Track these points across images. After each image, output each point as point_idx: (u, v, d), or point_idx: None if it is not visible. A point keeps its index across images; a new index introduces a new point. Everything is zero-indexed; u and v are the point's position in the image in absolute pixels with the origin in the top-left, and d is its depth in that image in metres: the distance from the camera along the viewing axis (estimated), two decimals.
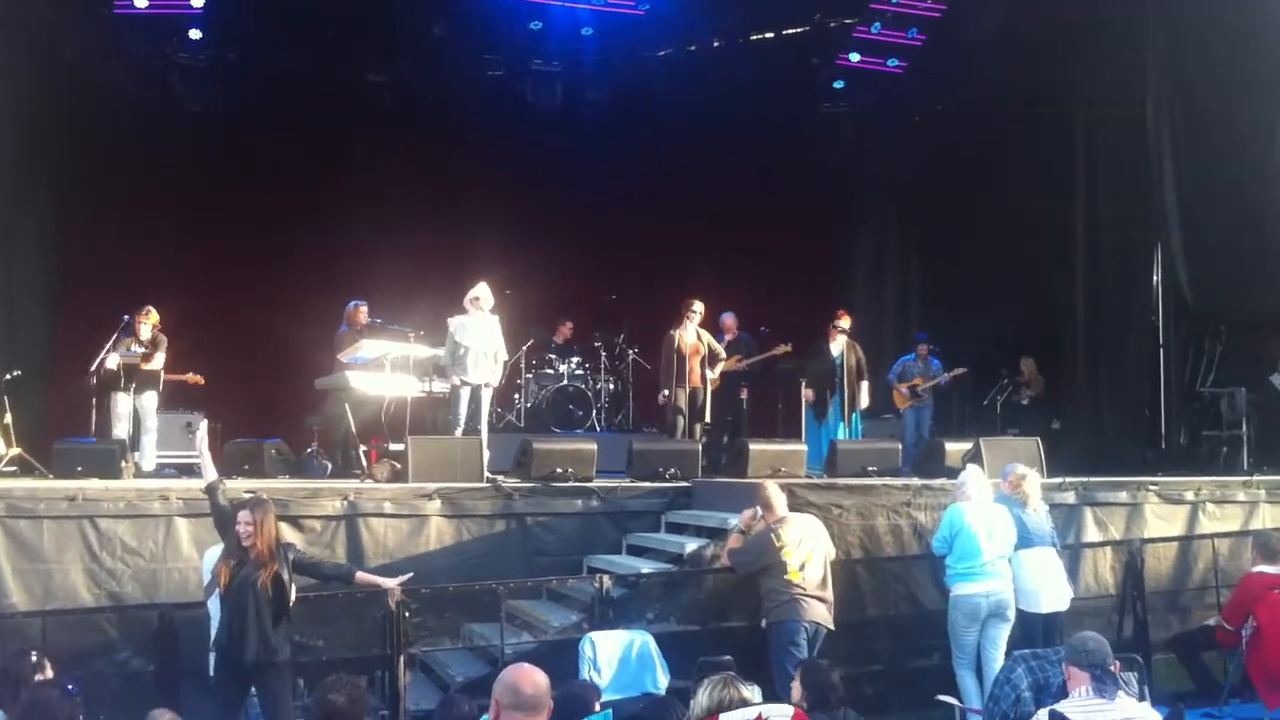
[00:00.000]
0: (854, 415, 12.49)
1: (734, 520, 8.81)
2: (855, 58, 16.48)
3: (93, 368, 11.36)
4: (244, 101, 15.41)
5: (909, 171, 17.86)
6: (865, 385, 12.64)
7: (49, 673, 6.50)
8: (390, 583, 7.57)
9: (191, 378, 12.27)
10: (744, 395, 13.97)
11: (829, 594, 8.21)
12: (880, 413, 14.60)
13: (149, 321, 11.72)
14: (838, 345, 12.63)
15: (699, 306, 12.37)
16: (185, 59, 14.99)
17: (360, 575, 7.64)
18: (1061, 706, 5.06)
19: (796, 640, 7.90)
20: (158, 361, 11.69)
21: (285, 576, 6.90)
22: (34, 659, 6.58)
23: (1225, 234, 12.78)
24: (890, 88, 17.10)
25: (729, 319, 13.82)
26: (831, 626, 8.11)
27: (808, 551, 8.11)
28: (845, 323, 12.75)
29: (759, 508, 8.44)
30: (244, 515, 6.91)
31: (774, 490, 8.46)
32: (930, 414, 14.49)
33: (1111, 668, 5.11)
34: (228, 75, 15.20)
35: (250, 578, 6.80)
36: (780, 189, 17.23)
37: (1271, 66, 12.23)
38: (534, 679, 4.45)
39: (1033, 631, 8.35)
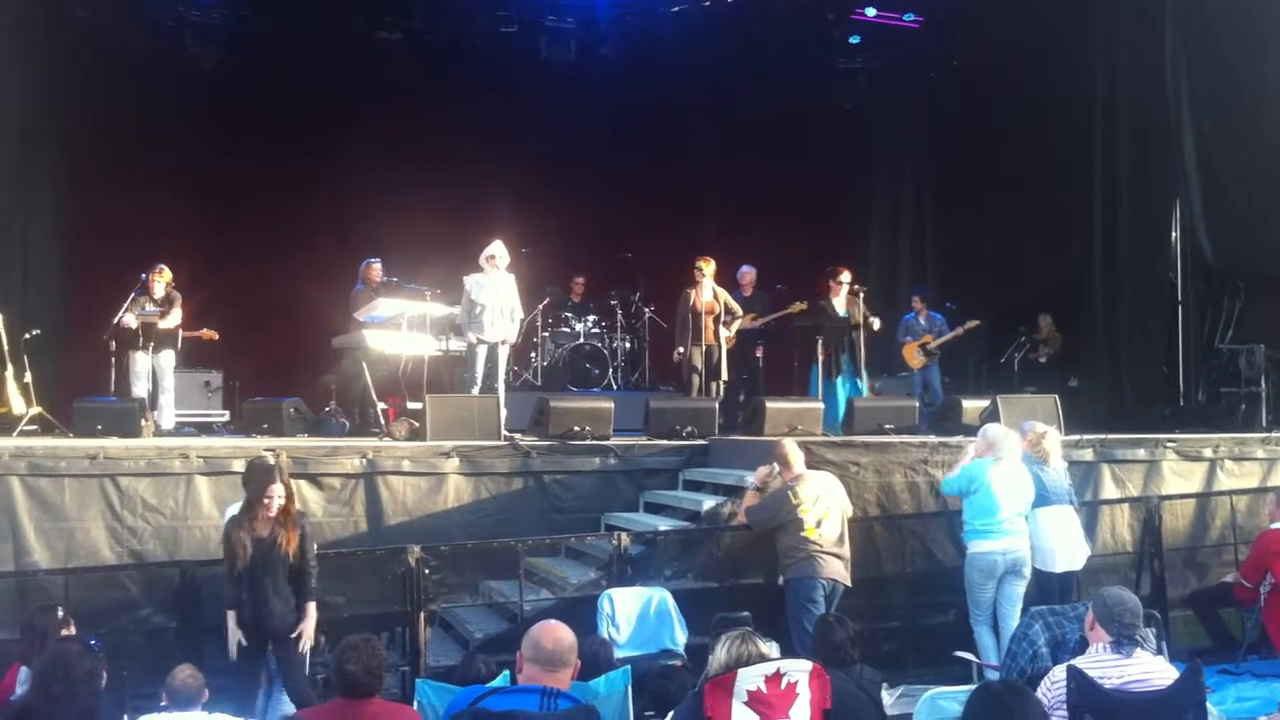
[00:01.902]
0: (864, 373, 12.44)
1: (750, 478, 8.82)
2: (871, 12, 16.31)
3: (110, 328, 11.39)
4: (257, 59, 15.36)
5: (925, 127, 17.70)
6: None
7: (72, 629, 6.58)
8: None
9: (206, 333, 12.31)
10: (759, 353, 13.94)
11: (846, 550, 8.22)
12: (899, 370, 14.57)
13: (162, 280, 11.74)
14: (841, 301, 12.59)
15: (703, 265, 12.36)
16: (198, 17, 14.92)
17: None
18: (1079, 662, 5.06)
19: (814, 597, 7.92)
20: (173, 319, 11.71)
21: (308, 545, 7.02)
22: (60, 614, 6.65)
23: (1245, 189, 12.64)
24: (906, 43, 16.96)
25: (748, 274, 13.74)
26: (848, 583, 8.13)
27: (824, 508, 8.13)
28: (846, 277, 12.65)
29: (776, 465, 8.45)
30: (276, 489, 6.91)
31: (791, 447, 8.47)
32: (939, 371, 14.44)
33: (1137, 635, 5.09)
34: (241, 33, 15.13)
35: (275, 547, 6.86)
36: (795, 144, 17.13)
37: None
38: (556, 635, 4.49)
39: (1049, 589, 8.34)
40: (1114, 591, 5.26)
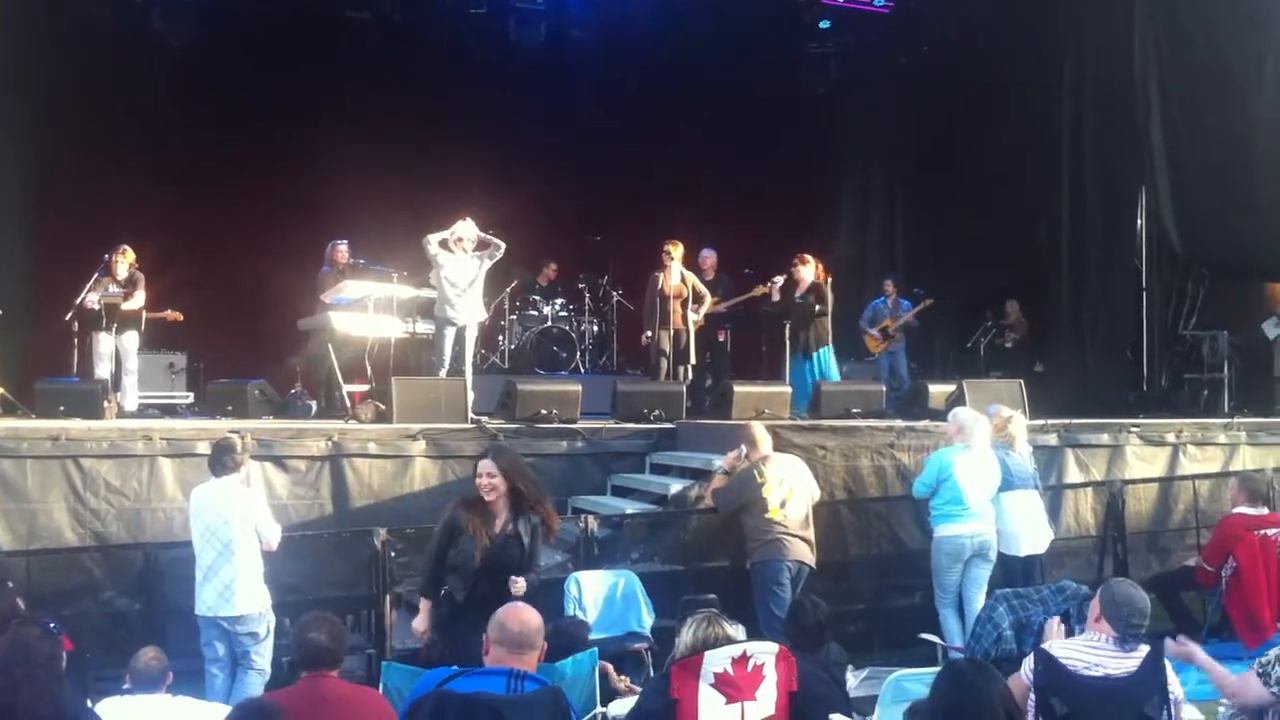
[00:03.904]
0: (820, 354, 12.47)
1: (718, 461, 8.84)
2: None
3: (72, 309, 11.29)
4: (225, 38, 15.19)
5: (895, 112, 17.75)
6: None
7: (20, 604, 6.54)
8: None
9: (170, 314, 12.20)
10: (723, 337, 13.94)
11: (810, 534, 8.23)
12: (866, 355, 14.64)
13: (125, 260, 11.63)
14: (802, 287, 12.66)
15: (671, 248, 12.35)
16: None
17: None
18: (1054, 647, 5.08)
19: (780, 580, 7.94)
20: (137, 300, 11.62)
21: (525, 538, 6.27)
22: (9, 585, 6.61)
23: (1211, 177, 12.74)
24: (876, 28, 16.96)
25: (709, 257, 13.65)
26: (814, 565, 8.15)
27: (789, 489, 8.13)
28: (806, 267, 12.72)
29: (744, 447, 8.45)
30: (485, 465, 6.26)
31: (759, 429, 8.49)
32: (905, 356, 14.53)
33: (1142, 633, 5.09)
34: (208, 12, 14.96)
35: (508, 544, 6.23)
36: (765, 129, 17.12)
37: (1260, 6, 12.18)
38: (522, 617, 4.48)
39: (1012, 573, 8.39)
40: (1122, 589, 5.16)
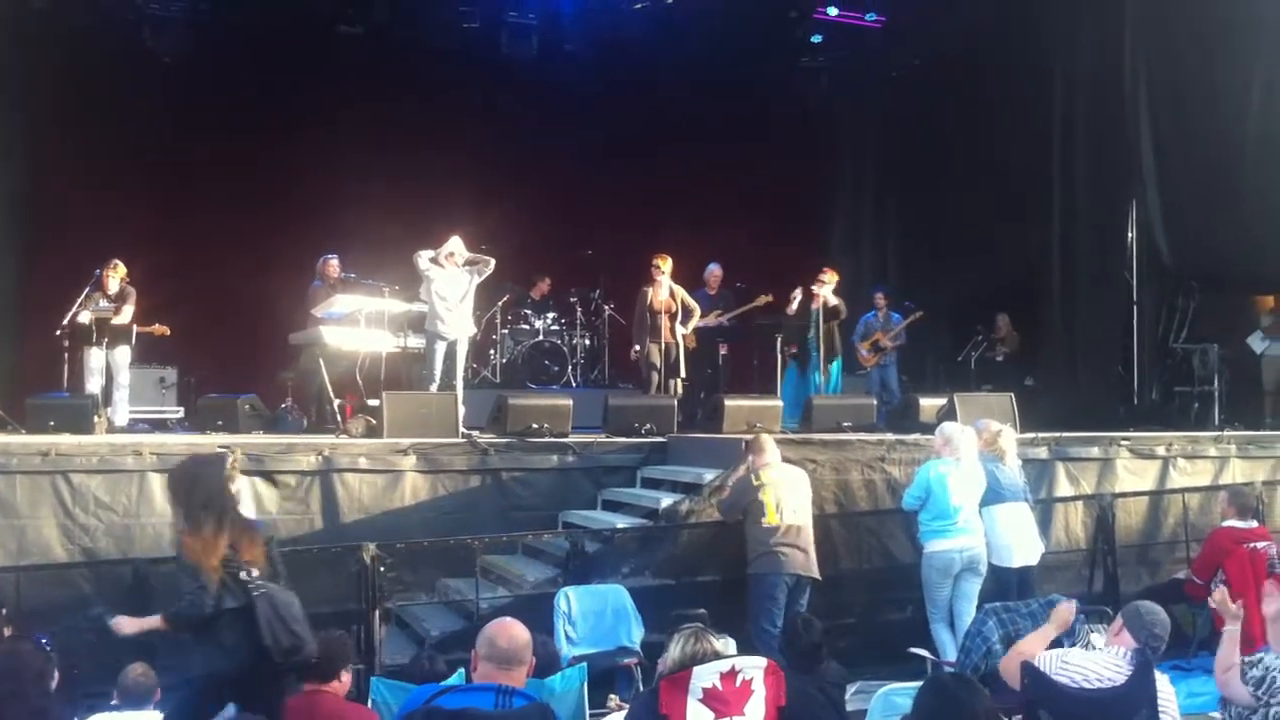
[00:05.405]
0: (834, 366, 12.55)
1: (709, 475, 8.85)
2: (833, 11, 16.29)
3: (63, 324, 11.27)
4: (216, 54, 15.17)
5: (887, 126, 17.82)
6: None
7: (6, 632, 6.52)
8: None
9: (157, 329, 12.15)
10: (723, 351, 13.95)
11: (809, 544, 8.22)
12: (857, 368, 14.65)
13: (116, 275, 11.63)
14: (821, 302, 12.74)
15: (660, 262, 12.34)
16: (157, 10, 14.71)
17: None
18: (1070, 654, 5.09)
19: (774, 595, 7.94)
20: (126, 315, 11.60)
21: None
22: (3, 612, 6.59)
23: (1201, 191, 12.80)
24: (868, 42, 16.98)
25: (715, 272, 13.74)
26: (816, 575, 8.13)
27: (786, 493, 8.15)
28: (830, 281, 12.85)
29: (751, 456, 8.42)
30: None
31: (768, 439, 8.52)
32: (896, 370, 14.53)
33: (1161, 648, 5.12)
34: (200, 27, 14.94)
35: None
36: (758, 142, 17.12)
37: (1248, 24, 12.24)
38: (510, 633, 4.47)
39: (1006, 586, 8.39)
40: (1147, 604, 5.26)
